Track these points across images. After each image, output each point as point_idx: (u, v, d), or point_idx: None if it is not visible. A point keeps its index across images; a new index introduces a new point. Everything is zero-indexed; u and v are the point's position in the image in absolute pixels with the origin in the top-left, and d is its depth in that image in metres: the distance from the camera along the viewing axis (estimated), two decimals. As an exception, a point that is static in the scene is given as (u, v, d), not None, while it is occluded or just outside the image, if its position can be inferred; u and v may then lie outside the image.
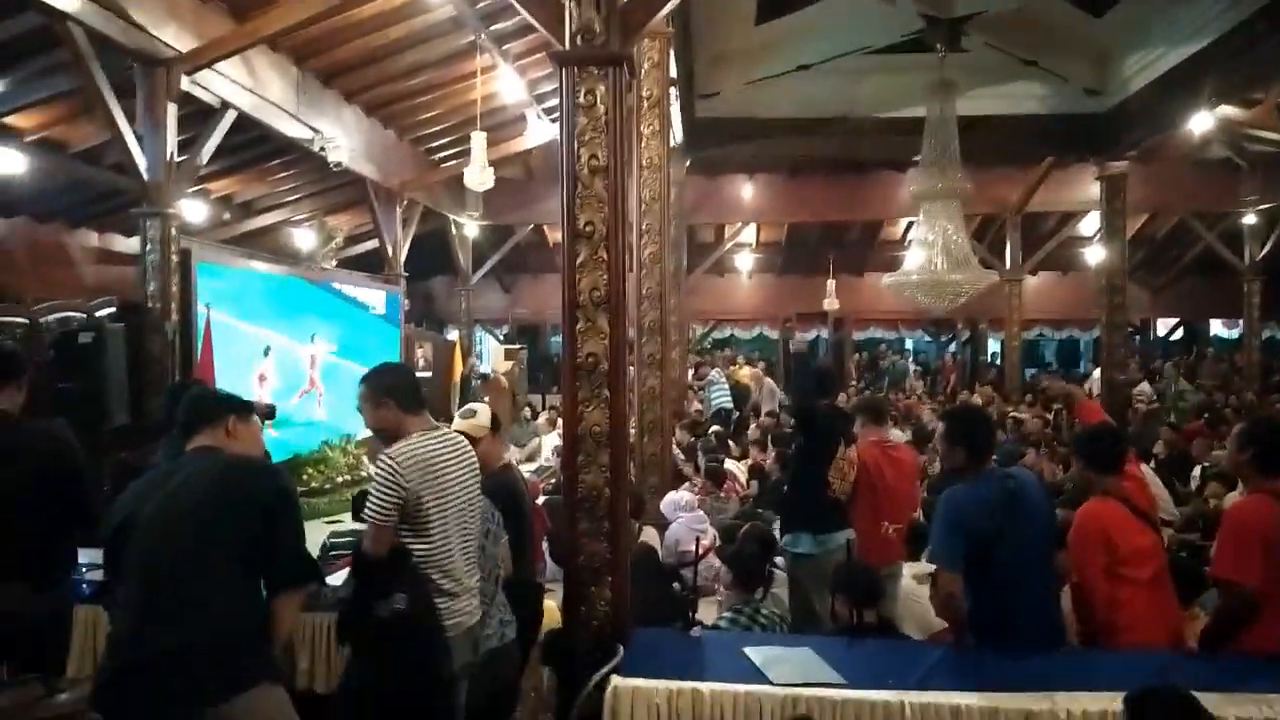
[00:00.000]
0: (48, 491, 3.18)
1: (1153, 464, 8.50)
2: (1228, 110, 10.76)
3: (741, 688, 2.90)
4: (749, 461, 9.14)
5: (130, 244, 10.29)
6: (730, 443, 10.15)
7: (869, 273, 18.34)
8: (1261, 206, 14.28)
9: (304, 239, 12.34)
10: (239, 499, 2.54)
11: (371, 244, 12.76)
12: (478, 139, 8.87)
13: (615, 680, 2.95)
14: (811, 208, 16.16)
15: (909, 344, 22.66)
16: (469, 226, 15.22)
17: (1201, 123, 10.37)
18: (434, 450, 2.94)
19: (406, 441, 2.92)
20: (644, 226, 6.57)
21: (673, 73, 7.28)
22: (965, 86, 9.05)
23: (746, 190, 15.92)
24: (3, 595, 3.09)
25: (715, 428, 10.59)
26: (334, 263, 10.34)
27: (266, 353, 7.86)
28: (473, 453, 3.14)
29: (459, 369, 13.89)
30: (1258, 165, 14.04)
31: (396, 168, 11.49)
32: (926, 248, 9.37)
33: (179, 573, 2.38)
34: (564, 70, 3.21)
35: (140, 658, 2.29)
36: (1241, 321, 15.84)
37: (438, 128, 11.84)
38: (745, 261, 18.70)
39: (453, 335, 16.32)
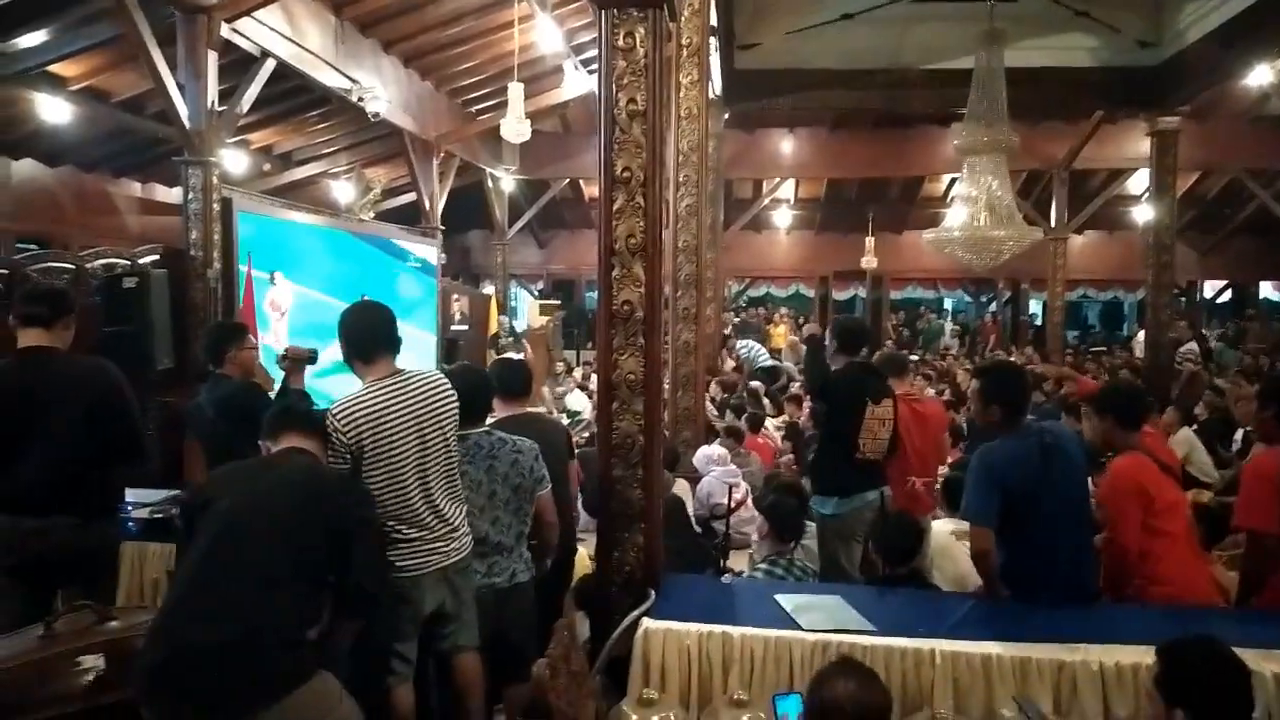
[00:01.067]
0: (98, 425, 3.27)
1: (1194, 426, 8.35)
2: (1289, 62, 10.34)
3: (772, 632, 2.92)
4: (784, 419, 9.12)
5: (173, 194, 10.43)
6: (767, 401, 10.13)
7: (908, 231, 18.04)
8: (1320, 165, 13.81)
9: (342, 191, 12.44)
10: (323, 517, 2.51)
11: (409, 197, 12.81)
12: (515, 90, 8.82)
13: (646, 622, 2.99)
14: (852, 163, 15.90)
15: (948, 303, 22.37)
16: (505, 180, 15.20)
17: (1260, 76, 10.00)
18: (380, 399, 2.93)
19: (349, 394, 2.97)
20: (681, 178, 6.51)
21: (713, 21, 7.15)
22: (1014, 37, 8.78)
23: (785, 145, 15.69)
24: (56, 526, 3.20)
25: (754, 383, 10.55)
26: (372, 215, 10.40)
27: (273, 280, 7.77)
28: (447, 394, 3.09)
29: (495, 323, 13.97)
30: (1318, 121, 13.55)
31: (434, 119, 11.48)
32: (970, 204, 9.18)
33: (248, 575, 2.33)
34: (603, 12, 3.16)
35: (195, 648, 2.22)
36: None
37: (475, 79, 11.80)
38: (783, 218, 18.48)
39: (489, 290, 16.39)
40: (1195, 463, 7.34)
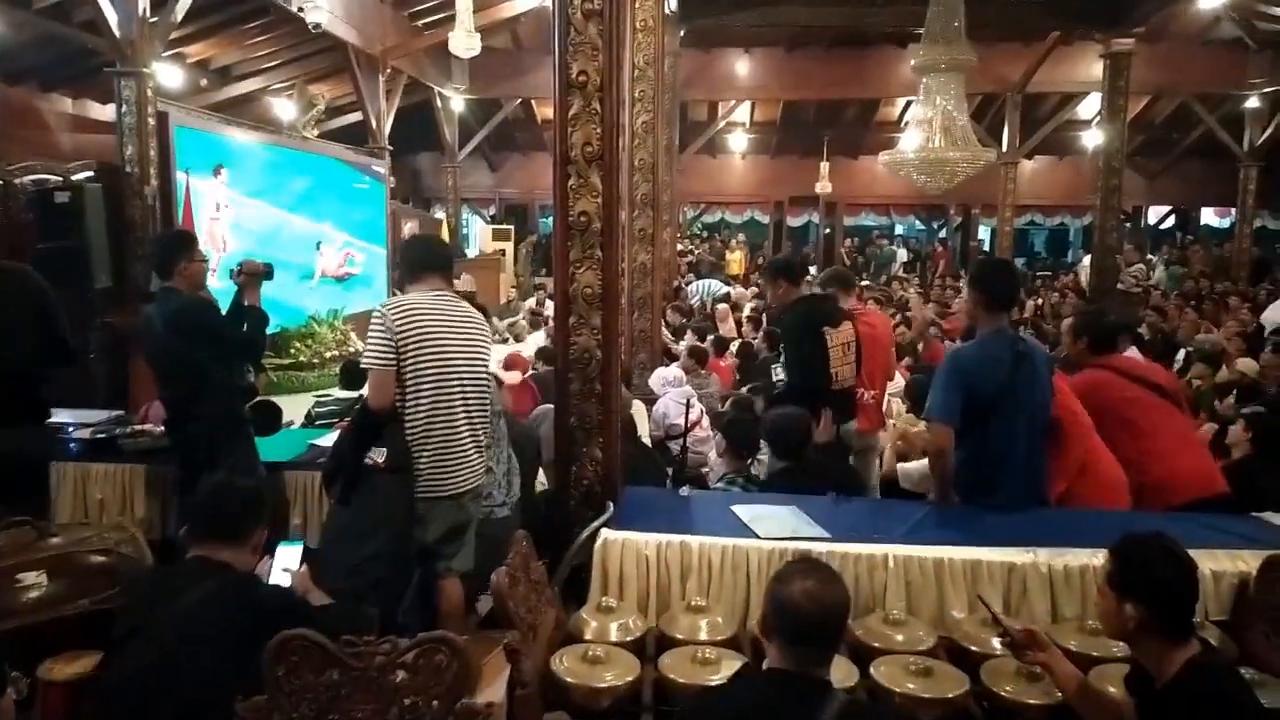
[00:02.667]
0: (25, 330, 3.16)
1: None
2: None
3: (729, 540, 2.95)
4: (737, 340, 9.17)
5: (107, 111, 9.93)
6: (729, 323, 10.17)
7: (864, 156, 18.00)
8: (1267, 89, 13.97)
9: (284, 108, 11.96)
10: (254, 641, 2.10)
11: (355, 116, 12.38)
12: (463, 1, 8.49)
13: (605, 533, 3.00)
14: (809, 85, 15.71)
15: (900, 229, 22.49)
16: (455, 100, 14.76)
17: (1213, -3, 10.03)
18: (428, 306, 3.03)
19: (401, 296, 3.06)
20: (637, 94, 6.34)
21: (669, -71, 6.91)
22: (974, -48, 8.66)
23: (742, 66, 15.43)
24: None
25: (721, 306, 10.56)
26: (316, 133, 10.03)
27: (217, 171, 7.45)
28: (483, 323, 3.22)
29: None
30: (1266, 46, 13.65)
31: (379, 32, 11.03)
32: (924, 126, 9.15)
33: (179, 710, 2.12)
34: (556, -97, 3.01)
35: None
36: (1234, 210, 15.72)
37: (422, -9, 11.35)
38: (738, 142, 18.30)
39: (440, 214, 16.06)
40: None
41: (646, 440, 5.33)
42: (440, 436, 3.02)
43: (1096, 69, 11.14)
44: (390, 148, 11.92)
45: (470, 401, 3.10)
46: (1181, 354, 8.31)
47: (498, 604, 2.44)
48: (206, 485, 2.51)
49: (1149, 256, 16.68)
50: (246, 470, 3.53)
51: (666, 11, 7.95)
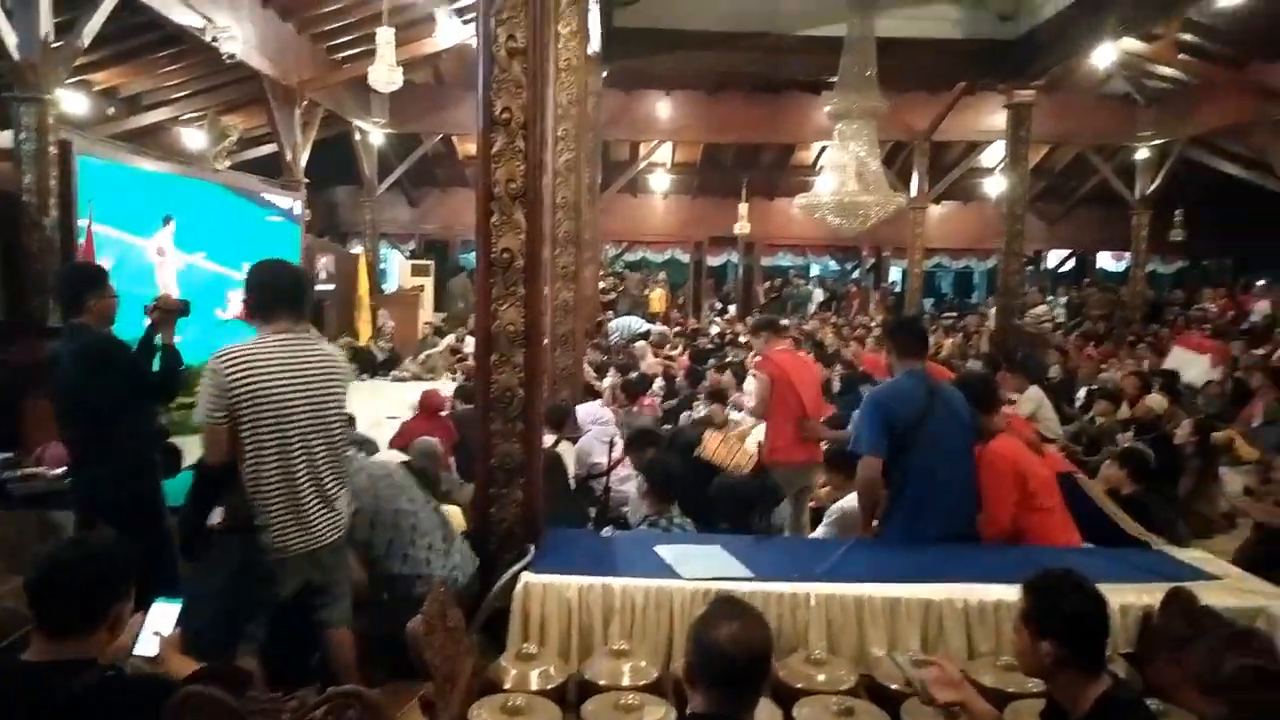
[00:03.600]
0: None
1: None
2: (1131, 43, 11.03)
3: (652, 582, 2.93)
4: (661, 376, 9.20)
5: (4, 137, 9.51)
6: (651, 359, 10.21)
7: (780, 198, 18.42)
8: (1155, 141, 14.83)
9: (194, 139, 11.65)
10: None
11: (269, 147, 12.11)
12: (384, 35, 8.43)
13: (526, 576, 2.95)
14: (729, 128, 16.03)
15: (815, 269, 23.03)
16: (374, 133, 14.58)
17: (1105, 54, 10.63)
18: (266, 354, 2.72)
19: (242, 342, 2.75)
20: (560, 132, 6.38)
21: (592, -28, 7.01)
22: (884, 5, 9.01)
23: (663, 107, 15.66)
24: None
25: (639, 344, 10.60)
26: (227, 164, 9.79)
27: (166, 221, 7.26)
28: (336, 366, 2.90)
29: (364, 283, 13.48)
30: (1154, 100, 14.54)
31: (296, 64, 10.86)
32: (839, 170, 9.44)
33: None
34: (481, -56, 3.02)
35: None
36: (1129, 254, 16.57)
37: (341, 23, 11.22)
38: (660, 182, 18.52)
39: (357, 249, 15.78)
40: (1042, 419, 7.81)
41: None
42: (282, 494, 2.73)
43: (999, 119, 11.66)
44: (306, 180, 11.69)
45: (317, 454, 2.80)
46: (1083, 392, 8.67)
47: (413, 653, 2.36)
48: (43, 556, 1.97)
49: (1049, 298, 17.42)
50: (151, 520, 3.36)
51: (590, 52, 8.04)
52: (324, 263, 12.84)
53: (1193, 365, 8.74)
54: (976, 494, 3.50)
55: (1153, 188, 15.25)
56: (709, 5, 9.74)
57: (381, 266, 19.50)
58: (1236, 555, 3.95)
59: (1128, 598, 2.84)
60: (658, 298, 18.30)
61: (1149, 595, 2.81)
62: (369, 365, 11.77)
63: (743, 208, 17.28)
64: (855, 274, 22.09)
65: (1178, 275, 20.80)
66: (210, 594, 2.73)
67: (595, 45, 9.04)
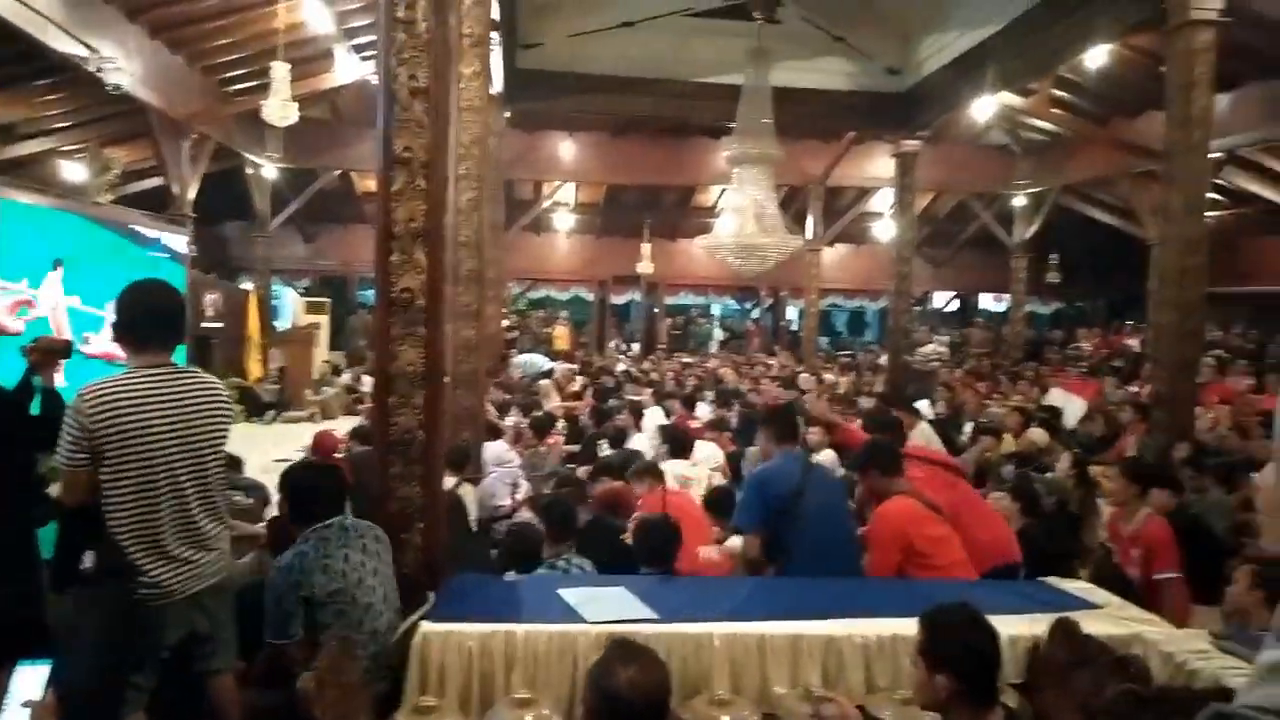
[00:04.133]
0: None
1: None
2: (1008, 97, 11.72)
3: (556, 627, 2.87)
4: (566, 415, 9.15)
5: None
6: (554, 396, 10.16)
7: (681, 238, 18.76)
8: (1031, 189, 15.75)
9: (74, 171, 11.11)
10: None
11: (156, 181, 11.65)
12: (279, 69, 8.27)
13: (425, 626, 2.85)
14: (631, 170, 16.27)
15: (716, 309, 23.46)
16: (267, 168, 14.20)
17: (985, 108, 11.28)
18: (135, 391, 2.56)
19: (108, 377, 2.59)
20: (462, 171, 6.34)
21: (495, 14, 7.04)
22: (780, 57, 9.34)
23: (566, 148, 15.79)
24: None
25: (544, 382, 10.53)
26: (109, 198, 9.36)
27: (55, 265, 6.86)
28: (215, 399, 2.75)
29: (255, 321, 13.03)
30: (1030, 151, 15.48)
31: (185, 97, 10.51)
32: (738, 213, 9.67)
33: None
34: (381, -17, 3.00)
35: None
36: (1009, 296, 17.47)
37: (234, 56, 10.93)
38: (564, 221, 18.60)
39: (248, 285, 15.26)
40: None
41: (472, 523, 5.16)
42: (152, 536, 2.57)
43: (888, 166, 12.21)
44: (194, 216, 11.27)
45: (189, 493, 2.65)
46: (969, 427, 9.02)
47: (304, 711, 2.25)
48: None
49: (937, 337, 18.19)
50: (21, 572, 3.12)
51: (492, 93, 8.05)
52: (211, 299, 12.35)
53: (1070, 405, 9.21)
54: (858, 558, 3.70)
55: (1030, 233, 16.16)
56: (611, 51, 9.92)
57: (275, 304, 18.93)
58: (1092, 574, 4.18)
59: (1016, 628, 2.93)
60: (561, 336, 18.30)
61: (1037, 626, 2.92)
62: (256, 406, 11.34)
63: (645, 247, 17.51)
64: (755, 313, 22.60)
65: (1055, 316, 22.03)
66: (86, 648, 2.54)
67: (498, 86, 9.07)
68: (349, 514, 3.00)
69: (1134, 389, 10.06)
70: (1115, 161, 12.81)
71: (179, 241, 9.74)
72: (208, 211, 12.42)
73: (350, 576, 2.82)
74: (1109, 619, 3.04)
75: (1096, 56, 9.84)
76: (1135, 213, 13.74)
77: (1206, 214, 6.41)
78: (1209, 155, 6.37)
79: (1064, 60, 9.84)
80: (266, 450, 8.06)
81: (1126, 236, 15.15)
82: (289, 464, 6.56)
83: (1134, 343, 14.62)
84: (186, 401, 2.66)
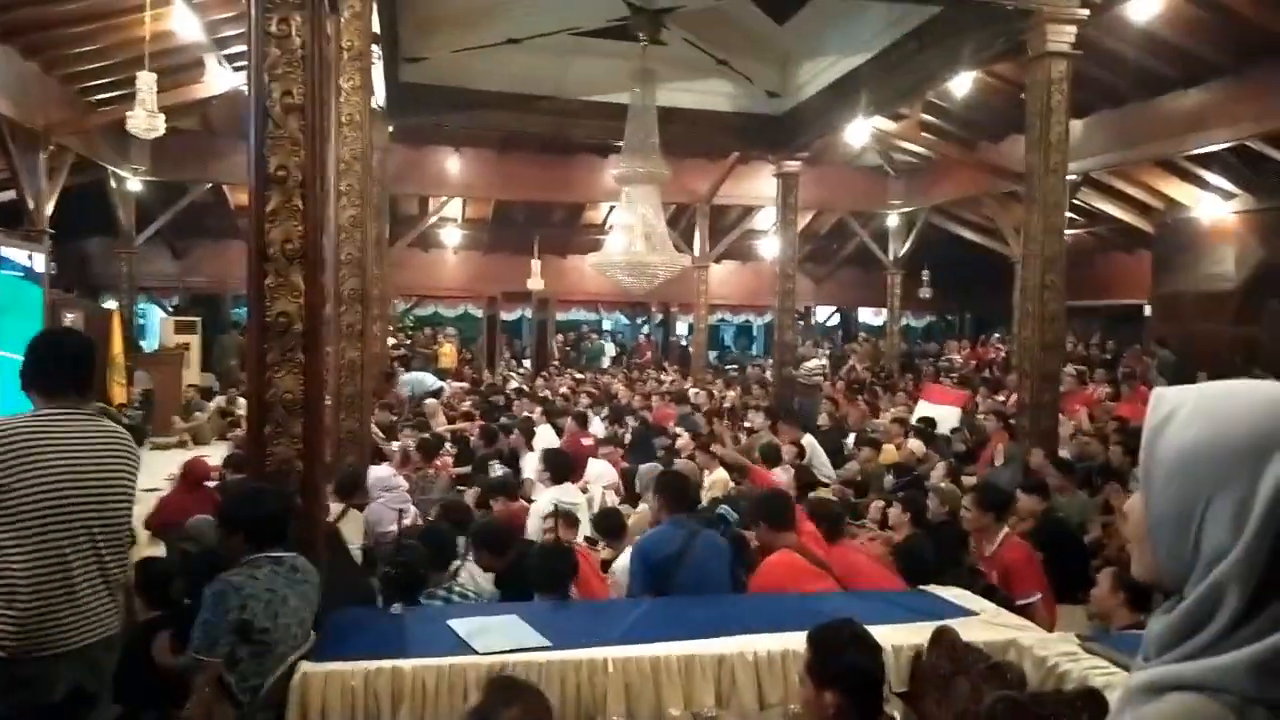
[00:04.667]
0: None
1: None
2: (881, 121, 12.23)
3: (445, 661, 2.80)
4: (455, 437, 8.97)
5: None
6: (441, 417, 9.93)
7: (572, 254, 18.75)
8: (904, 209, 16.47)
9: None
10: None
11: (8, 194, 10.87)
12: (145, 79, 7.85)
13: (305, 666, 2.73)
14: (519, 186, 16.16)
15: (607, 324, 23.53)
16: (132, 181, 13.45)
17: (858, 131, 11.73)
18: (40, 430, 2.47)
19: (10, 417, 2.51)
20: (343, 187, 6.16)
21: (376, 28, 6.89)
22: (665, 78, 9.47)
23: (453, 163, 15.57)
24: None
25: (430, 401, 10.28)
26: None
27: None
28: (120, 444, 2.65)
29: (118, 341, 12.28)
30: (902, 172, 16.19)
31: (41, 106, 9.87)
32: (627, 231, 9.73)
33: None
34: (253, -6, 2.89)
35: None
36: (885, 310, 18.17)
37: (97, 65, 10.34)
38: (451, 236, 18.32)
39: (112, 304, 14.39)
40: (815, 464, 8.32)
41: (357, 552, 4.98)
42: (48, 584, 2.42)
43: (771, 186, 12.54)
44: (51, 232, 10.57)
45: (98, 539, 2.53)
46: (851, 438, 9.32)
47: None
48: None
49: (820, 350, 18.75)
50: None
51: (375, 106, 7.87)
52: (72, 320, 11.54)
53: (940, 413, 9.61)
54: None
55: (904, 250, 16.87)
56: (497, 66, 9.84)
57: (141, 323, 17.91)
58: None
59: (899, 638, 3.03)
60: (448, 353, 17.97)
61: (918, 635, 3.02)
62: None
63: (535, 264, 17.42)
64: (645, 328, 22.78)
65: (928, 329, 23.05)
66: None
67: (380, 100, 8.88)
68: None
69: (1000, 399, 10.60)
70: (980, 183, 13.53)
71: (36, 259, 9.09)
72: (68, 227, 11.67)
73: (282, 621, 2.71)
74: (985, 625, 3.17)
75: (962, 84, 10.38)
76: (999, 231, 14.54)
77: (1065, 232, 6.83)
78: (1066, 177, 6.78)
79: (931, 87, 10.36)
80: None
81: (992, 253, 16.02)
82: (160, 494, 6.21)
83: (999, 354, 15.44)
84: (92, 446, 2.55)
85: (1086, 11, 6.47)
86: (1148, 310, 14.25)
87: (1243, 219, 11.96)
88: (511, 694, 1.82)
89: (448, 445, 8.19)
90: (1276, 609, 0.79)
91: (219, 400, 12.73)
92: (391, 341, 14.66)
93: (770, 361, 14.58)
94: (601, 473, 7.11)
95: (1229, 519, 0.81)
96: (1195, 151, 10.43)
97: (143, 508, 5.90)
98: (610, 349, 21.22)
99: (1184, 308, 12.90)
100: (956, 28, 7.60)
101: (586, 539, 4.97)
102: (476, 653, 2.84)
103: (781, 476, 6.51)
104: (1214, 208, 12.17)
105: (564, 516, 4.62)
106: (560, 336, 20.63)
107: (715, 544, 3.87)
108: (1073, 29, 6.38)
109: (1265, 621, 0.79)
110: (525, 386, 13.71)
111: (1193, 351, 12.04)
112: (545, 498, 5.48)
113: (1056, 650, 2.86)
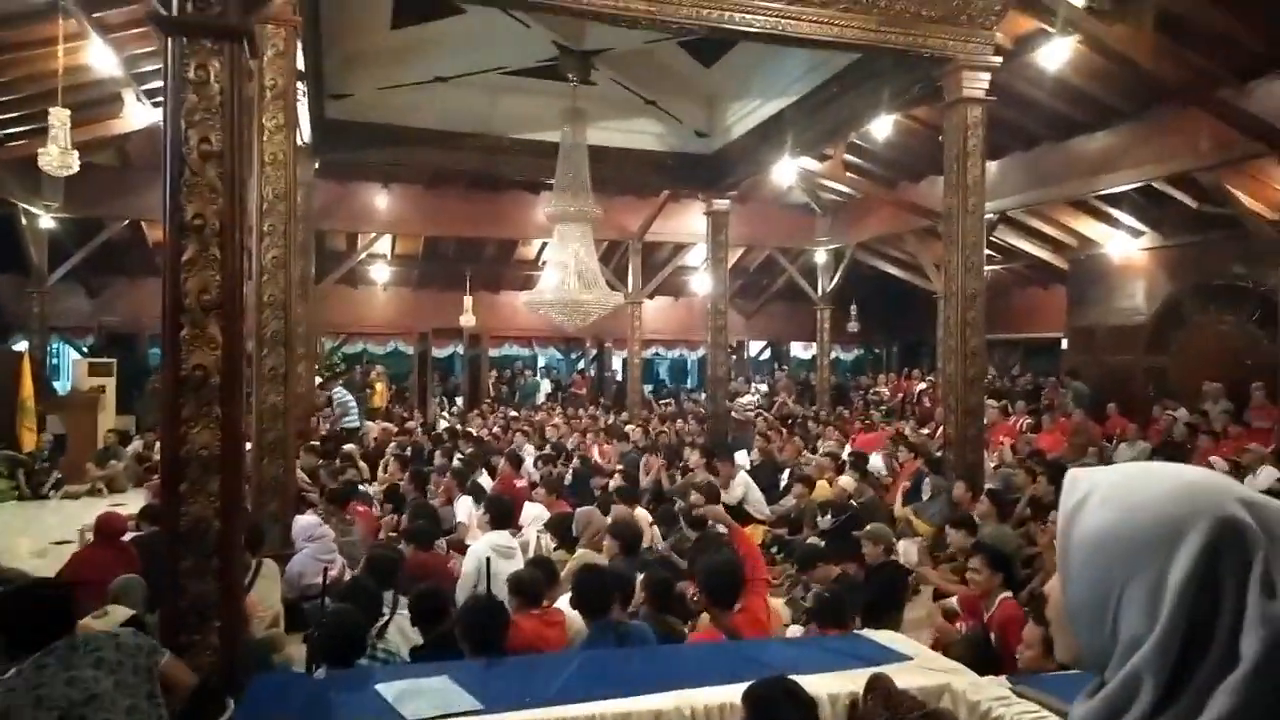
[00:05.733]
0: None
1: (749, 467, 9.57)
2: (806, 161, 12.50)
3: (372, 727, 2.70)
4: (383, 484, 8.76)
5: None
6: (362, 464, 9.68)
7: (505, 290, 18.65)
8: (831, 245, 16.82)
9: None
10: None
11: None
12: (59, 115, 7.60)
13: (224, 737, 2.60)
14: (448, 222, 16.03)
15: (542, 360, 23.40)
16: (44, 218, 12.95)
17: (785, 170, 11.97)
18: None
19: None
20: (266, 227, 6.01)
21: (300, 65, 6.78)
22: (595, 117, 9.52)
23: (381, 199, 15.38)
24: None
25: (348, 446, 10.03)
26: None
27: None
28: None
29: (28, 385, 11.73)
30: (828, 210, 16.55)
31: (-58, 140, 9.45)
32: (560, 269, 9.69)
33: None
34: (171, 40, 2.80)
35: None
36: (815, 344, 18.47)
37: (6, 98, 9.95)
38: (380, 273, 18.05)
39: (21, 345, 13.76)
40: (751, 501, 8.36)
41: (272, 610, 4.78)
42: None
43: (701, 223, 12.68)
44: (-46, 270, 10.10)
45: None
46: (786, 474, 9.39)
47: None
48: None
49: (753, 386, 18.92)
50: None
51: (300, 143, 7.73)
52: (-25, 363, 11.05)
53: (875, 457, 9.77)
54: None
55: (832, 285, 17.20)
56: (424, 103, 9.78)
57: (53, 362, 17.16)
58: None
59: (834, 686, 3.02)
60: (379, 391, 17.64)
61: (854, 681, 3.01)
62: (32, 482, 10.19)
63: (467, 300, 17.25)
64: (580, 364, 22.72)
65: (857, 361, 23.48)
66: None
67: (305, 136, 8.73)
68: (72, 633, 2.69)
69: (925, 432, 10.82)
70: (902, 220, 13.91)
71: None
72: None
73: (75, 698, 2.52)
74: (919, 671, 3.18)
75: (883, 126, 10.70)
76: (921, 267, 14.94)
77: (984, 268, 7.03)
78: (983, 216, 6.99)
79: (853, 129, 10.64)
80: (45, 531, 7.23)
81: (915, 287, 16.44)
82: (73, 548, 5.90)
83: (922, 386, 15.82)
84: None
85: (999, 59, 6.72)
86: (1064, 343, 14.76)
87: (1151, 255, 12.52)
88: None
89: (370, 491, 8.00)
90: (1192, 697, 0.79)
91: (136, 444, 12.25)
92: (318, 381, 14.33)
93: (704, 396, 14.65)
94: (537, 515, 7.02)
95: (1143, 606, 0.82)
96: (1105, 191, 10.90)
97: (55, 562, 5.62)
98: (546, 386, 21.07)
99: (1098, 340, 13.41)
100: (876, 73, 7.83)
101: None
102: (405, 719, 2.74)
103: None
104: (1124, 245, 12.72)
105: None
106: (494, 373, 20.42)
107: (645, 635, 3.80)
108: (987, 75, 6.61)
109: (1182, 710, 0.79)
110: (457, 427, 13.52)
111: (1107, 382, 12.50)
112: (482, 542, 5.38)
113: (989, 695, 2.88)
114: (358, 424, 12.77)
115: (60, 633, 2.64)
